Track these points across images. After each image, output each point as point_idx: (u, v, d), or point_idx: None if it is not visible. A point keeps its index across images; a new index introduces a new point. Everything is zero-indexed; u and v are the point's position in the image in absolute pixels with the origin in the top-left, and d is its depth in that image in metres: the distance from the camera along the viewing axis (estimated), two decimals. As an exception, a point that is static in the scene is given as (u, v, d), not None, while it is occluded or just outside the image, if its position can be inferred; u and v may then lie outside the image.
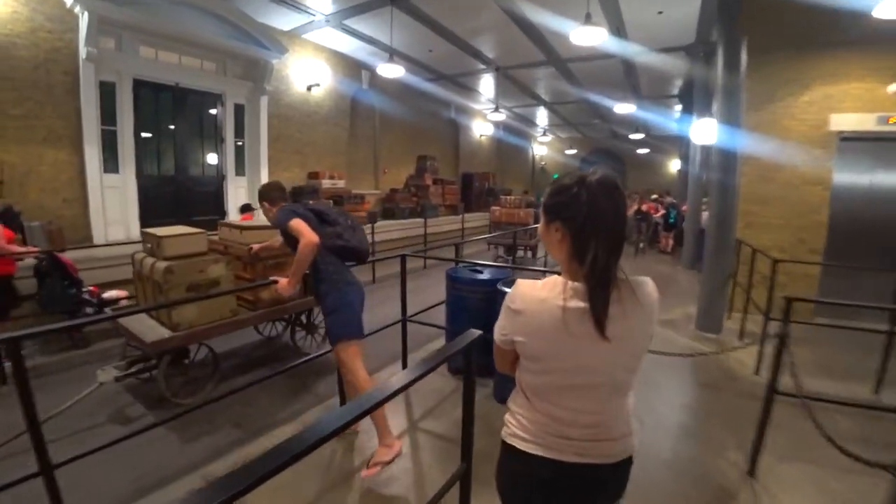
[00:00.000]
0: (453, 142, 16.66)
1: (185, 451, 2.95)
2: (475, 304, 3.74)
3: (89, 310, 4.44)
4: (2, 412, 3.49)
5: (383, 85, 11.37)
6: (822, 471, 2.60)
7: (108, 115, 6.63)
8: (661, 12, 7.39)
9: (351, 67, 10.66)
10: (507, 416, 1.24)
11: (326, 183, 9.72)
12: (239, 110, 8.44)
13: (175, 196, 7.68)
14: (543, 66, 10.87)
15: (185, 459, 2.84)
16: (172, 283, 3.18)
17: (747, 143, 5.39)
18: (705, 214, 8.92)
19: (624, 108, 11.20)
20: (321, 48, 9.82)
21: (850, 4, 4.85)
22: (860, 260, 5.26)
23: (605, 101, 13.07)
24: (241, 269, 3.83)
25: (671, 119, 15.41)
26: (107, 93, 6.58)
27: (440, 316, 4.12)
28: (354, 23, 8.38)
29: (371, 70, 10.46)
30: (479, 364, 3.48)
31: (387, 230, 10.15)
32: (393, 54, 7.88)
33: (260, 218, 5.10)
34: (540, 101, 15.24)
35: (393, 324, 3.79)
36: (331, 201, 9.30)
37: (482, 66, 11.19)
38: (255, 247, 3.58)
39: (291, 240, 2.61)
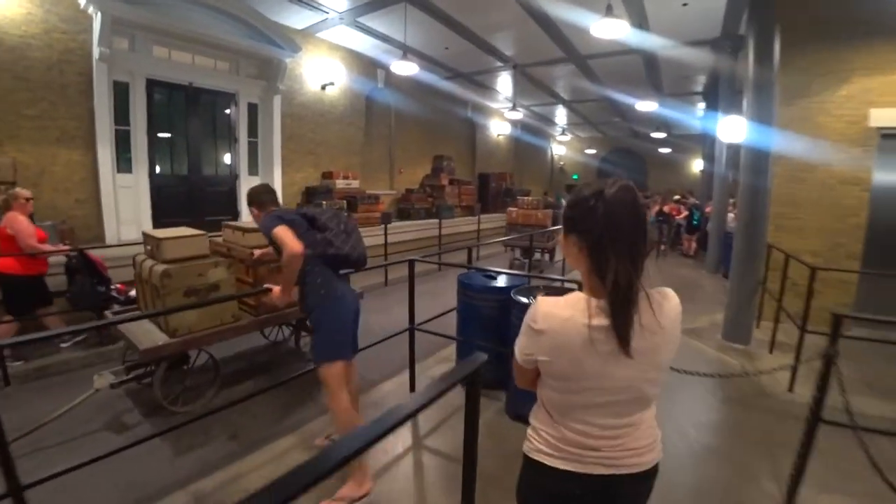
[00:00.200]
0: (470, 141, 16.43)
1: (176, 465, 2.82)
2: (487, 312, 3.54)
3: (116, 307, 4.40)
4: (9, 412, 3.47)
5: (399, 84, 11.23)
6: (869, 506, 2.34)
7: (121, 114, 6.62)
8: (685, 4, 7.06)
9: (366, 66, 10.54)
10: (530, 432, 1.22)
11: (340, 183, 9.61)
12: (252, 110, 8.39)
13: (188, 196, 7.66)
14: (563, 63, 10.58)
15: (175, 474, 2.71)
16: (170, 287, 3.06)
17: (778, 141, 5.07)
18: (731, 216, 8.56)
19: (645, 106, 10.85)
20: (336, 47, 9.72)
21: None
22: (903, 266, 4.89)
23: (626, 99, 12.70)
24: (243, 272, 3.70)
25: (694, 117, 14.93)
26: (120, 93, 6.58)
27: (452, 321, 3.93)
28: (368, 20, 8.25)
29: (386, 69, 10.30)
30: (490, 377, 3.33)
31: (401, 231, 10.00)
32: (407, 52, 7.71)
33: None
34: (559, 100, 14.92)
35: (400, 332, 3.61)
36: (344, 202, 9.22)
37: (499, 64, 10.96)
38: (257, 253, 3.44)
39: (278, 248, 2.43)
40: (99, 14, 5.93)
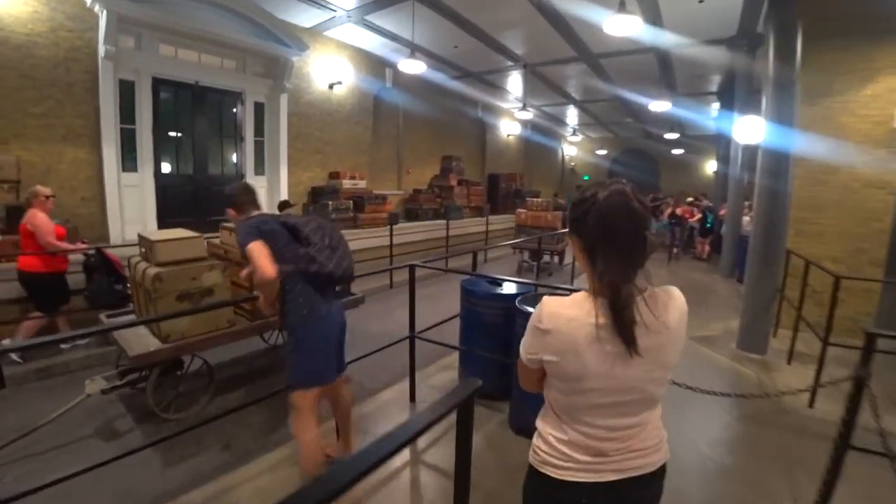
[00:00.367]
0: (480, 141, 16.27)
1: (166, 475, 2.73)
2: (491, 320, 3.40)
3: (132, 305, 4.32)
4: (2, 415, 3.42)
5: (408, 83, 11.11)
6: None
7: (127, 113, 6.59)
8: (701, 1, 6.84)
9: (374, 65, 10.45)
10: (537, 440, 1.19)
11: (347, 183, 9.53)
12: (259, 108, 8.33)
13: (193, 195, 7.62)
14: (574, 62, 10.37)
15: (165, 484, 2.62)
16: (162, 291, 2.97)
17: (799, 142, 4.85)
18: (746, 219, 8.32)
19: (659, 106, 10.58)
20: (343, 45, 9.63)
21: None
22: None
23: (639, 99, 12.44)
24: (239, 275, 3.60)
25: (708, 117, 14.61)
26: (126, 91, 6.54)
27: (456, 327, 3.79)
28: (376, 18, 8.14)
29: (394, 68, 10.19)
30: (494, 387, 3.19)
31: (407, 232, 9.87)
32: (415, 50, 7.59)
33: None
34: (570, 100, 14.69)
35: (400, 340, 3.47)
36: (351, 202, 9.12)
37: (509, 63, 10.79)
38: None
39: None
40: (105, 12, 5.89)
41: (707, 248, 11.15)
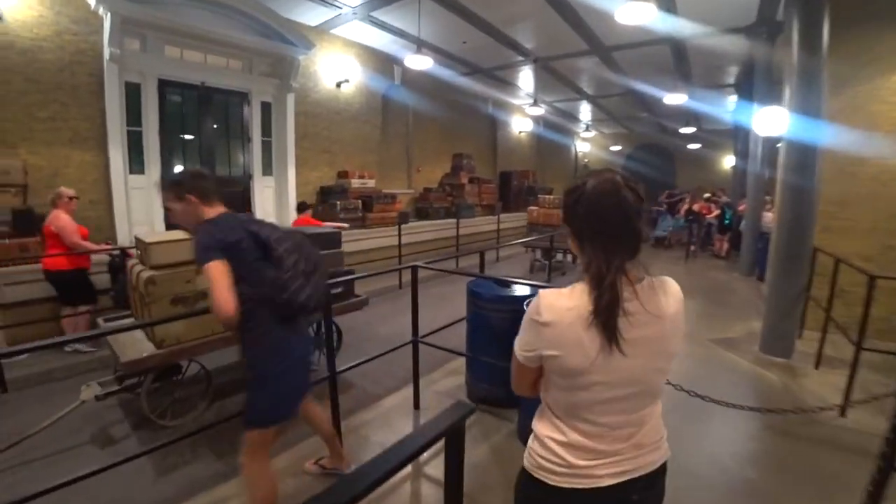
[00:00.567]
0: (491, 139, 16.06)
1: (158, 485, 2.64)
2: (499, 323, 3.24)
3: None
4: (1, 420, 3.38)
5: (417, 80, 10.97)
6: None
7: (133, 115, 6.57)
8: (718, -12, 6.58)
9: (382, 63, 10.33)
10: (533, 444, 1.14)
11: (356, 182, 9.43)
12: (266, 108, 8.27)
13: (201, 197, 7.58)
14: (586, 55, 10.11)
15: (158, 494, 2.54)
16: (155, 295, 2.87)
17: (825, 134, 4.59)
18: (768, 215, 7.99)
19: (674, 99, 10.28)
20: (350, 43, 9.53)
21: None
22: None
23: (654, 92, 12.11)
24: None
25: (725, 110, 14.18)
26: (132, 93, 6.52)
27: (463, 331, 3.63)
28: (382, 14, 8.01)
29: (403, 65, 10.07)
30: (502, 395, 3.03)
31: (417, 231, 9.74)
32: (422, 46, 7.45)
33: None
34: (583, 95, 14.39)
35: (402, 346, 3.34)
36: (359, 201, 9.01)
37: (520, 58, 10.58)
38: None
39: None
40: (109, 14, 5.86)
41: (726, 245, 10.82)
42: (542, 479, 1.08)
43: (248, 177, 8.21)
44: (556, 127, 19.13)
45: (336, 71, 9.25)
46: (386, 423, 3.21)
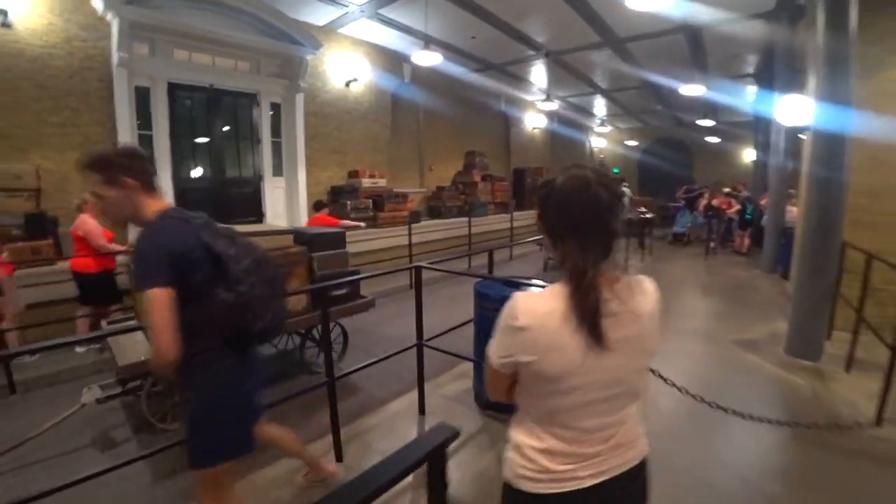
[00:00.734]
0: (503, 136, 15.87)
1: (153, 491, 2.59)
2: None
3: None
4: (5, 422, 3.38)
5: (427, 78, 10.86)
6: None
7: (143, 119, 6.61)
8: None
9: (391, 61, 10.25)
10: (512, 454, 1.09)
11: (367, 182, 9.37)
12: (275, 109, 8.27)
13: (212, 198, 7.59)
14: (599, 48, 9.88)
15: (155, 498, 2.49)
16: (153, 301, 2.81)
17: (854, 122, 4.33)
18: (792, 210, 7.67)
19: (691, 90, 9.96)
20: (359, 42, 9.47)
21: None
22: None
23: (670, 83, 11.77)
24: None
25: (744, 101, 13.72)
26: (142, 98, 6.56)
27: (471, 332, 3.50)
28: (389, 11, 7.93)
29: (412, 63, 9.98)
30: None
31: (429, 231, 9.61)
32: (430, 42, 7.34)
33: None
34: (597, 89, 14.12)
35: (406, 349, 3.23)
36: (370, 201, 8.95)
37: (531, 53, 10.39)
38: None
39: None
40: (117, 20, 5.89)
41: (747, 241, 10.45)
42: (525, 489, 1.04)
43: (259, 178, 8.22)
44: (570, 122, 18.84)
45: (345, 70, 9.20)
46: (390, 430, 3.11)
